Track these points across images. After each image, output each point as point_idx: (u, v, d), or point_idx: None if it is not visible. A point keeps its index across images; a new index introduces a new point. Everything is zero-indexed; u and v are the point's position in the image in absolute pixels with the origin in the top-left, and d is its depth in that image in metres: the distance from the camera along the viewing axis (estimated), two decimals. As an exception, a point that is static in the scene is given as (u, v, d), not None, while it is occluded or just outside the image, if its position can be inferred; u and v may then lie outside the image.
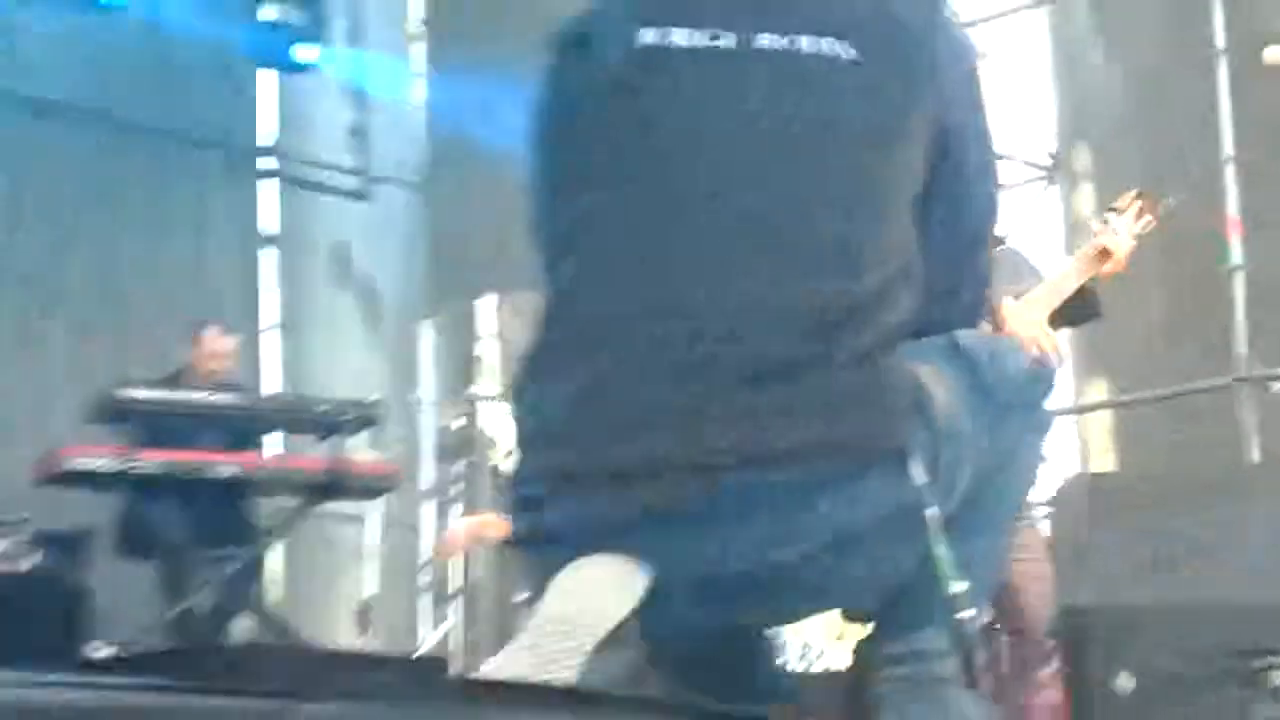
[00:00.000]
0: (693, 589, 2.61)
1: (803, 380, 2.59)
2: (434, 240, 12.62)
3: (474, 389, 11.31)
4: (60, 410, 8.96)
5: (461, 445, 11.70)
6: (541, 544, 2.70)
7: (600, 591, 2.59)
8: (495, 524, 9.24)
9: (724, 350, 2.60)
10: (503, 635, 10.94)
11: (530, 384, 2.80)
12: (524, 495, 2.75)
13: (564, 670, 2.57)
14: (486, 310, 11.47)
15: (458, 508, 11.26)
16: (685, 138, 2.70)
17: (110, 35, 10.96)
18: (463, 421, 11.72)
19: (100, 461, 8.65)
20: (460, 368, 11.96)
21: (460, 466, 11.67)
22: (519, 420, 2.86)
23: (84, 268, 10.97)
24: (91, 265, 10.98)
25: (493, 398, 11.28)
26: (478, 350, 11.31)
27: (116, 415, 8.77)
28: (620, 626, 2.58)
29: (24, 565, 8.90)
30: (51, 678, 1.79)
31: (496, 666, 2.73)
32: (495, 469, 11.17)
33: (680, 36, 2.70)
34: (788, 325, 2.61)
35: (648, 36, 2.71)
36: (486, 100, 10.81)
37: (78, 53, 10.93)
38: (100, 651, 8.83)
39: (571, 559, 2.60)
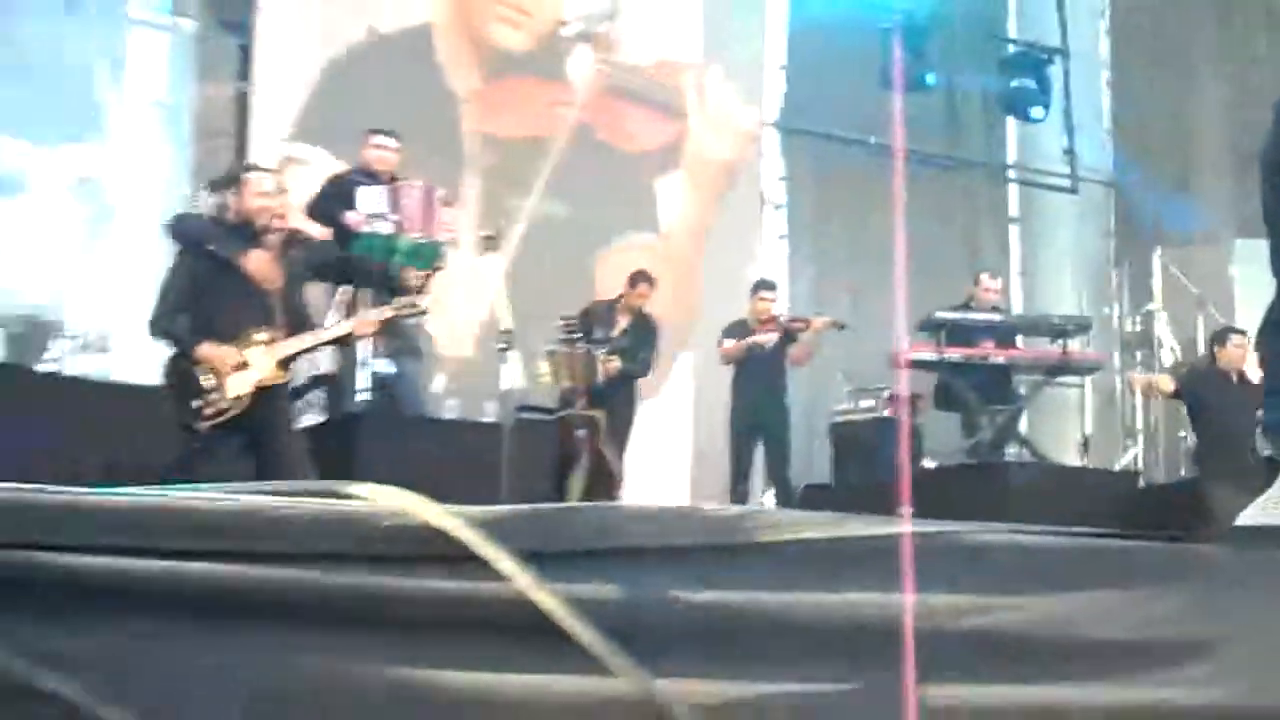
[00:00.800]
0: None
1: None
2: (1118, 218, 12.17)
3: (1149, 307, 10.97)
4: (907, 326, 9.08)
5: (1140, 342, 11.33)
6: None
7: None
8: (1164, 381, 8.97)
9: None
10: (1171, 460, 10.57)
11: None
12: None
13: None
14: (1156, 259, 11.08)
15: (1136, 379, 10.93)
16: None
17: (919, 98, 10.78)
18: (1139, 327, 11.35)
19: (925, 354, 8.79)
20: (1138, 294, 11.55)
21: (1137, 353, 11.32)
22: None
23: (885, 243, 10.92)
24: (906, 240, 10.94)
25: (1158, 310, 10.91)
26: (1152, 284, 10.94)
27: (934, 327, 8.86)
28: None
29: (886, 413, 9.15)
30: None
31: (1246, 513, 2.60)
32: (1160, 353, 10.80)
33: None
34: None
35: None
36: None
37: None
38: (926, 462, 9.02)
39: None
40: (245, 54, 9.35)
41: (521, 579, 1.47)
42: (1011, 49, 11.44)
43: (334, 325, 5.91)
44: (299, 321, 5.64)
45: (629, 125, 10.62)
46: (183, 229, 5.73)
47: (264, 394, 5.42)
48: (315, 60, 9.54)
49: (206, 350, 5.34)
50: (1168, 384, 8.87)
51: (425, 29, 10.01)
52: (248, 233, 5.54)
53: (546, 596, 1.48)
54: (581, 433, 7.85)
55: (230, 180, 5.70)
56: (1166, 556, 1.97)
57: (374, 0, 9.87)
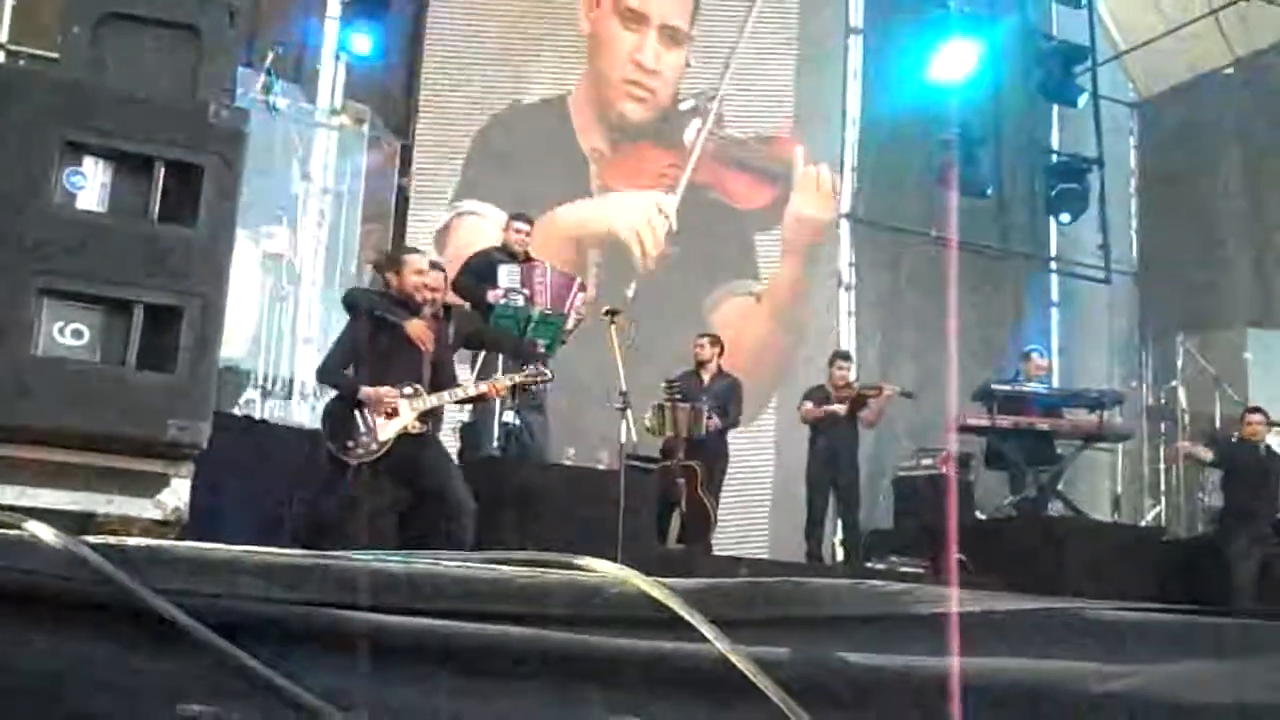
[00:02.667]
0: None
1: None
2: (1144, 306, 12.00)
3: (1173, 382, 10.71)
4: (962, 396, 8.95)
5: (1163, 412, 11.07)
6: None
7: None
8: (1195, 450, 8.74)
9: None
10: (1190, 517, 10.28)
11: None
12: None
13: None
14: (1179, 343, 10.84)
15: (1160, 445, 10.66)
16: None
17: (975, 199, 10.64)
18: (1163, 399, 11.09)
19: (979, 420, 8.68)
20: (1162, 372, 11.32)
21: (1161, 424, 11.06)
22: None
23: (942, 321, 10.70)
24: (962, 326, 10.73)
25: (1181, 384, 10.65)
26: (1179, 360, 10.69)
27: (986, 396, 8.75)
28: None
29: (940, 470, 8.97)
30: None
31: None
32: (1183, 424, 10.53)
33: None
34: None
35: None
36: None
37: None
38: (978, 514, 8.85)
39: None
40: (406, 151, 9.56)
41: (720, 642, 1.47)
42: (1054, 159, 11.34)
43: (470, 385, 6.01)
44: (444, 381, 5.72)
45: (734, 187, 10.83)
46: (355, 300, 5.88)
47: (408, 439, 5.49)
48: (468, 132, 9.96)
49: (370, 391, 5.44)
50: (1206, 454, 8.66)
51: (562, 99, 10.46)
52: (408, 304, 5.66)
53: (740, 658, 1.48)
54: (681, 480, 7.81)
55: (393, 261, 5.82)
56: (1256, 631, 1.93)
57: (519, 80, 10.27)
